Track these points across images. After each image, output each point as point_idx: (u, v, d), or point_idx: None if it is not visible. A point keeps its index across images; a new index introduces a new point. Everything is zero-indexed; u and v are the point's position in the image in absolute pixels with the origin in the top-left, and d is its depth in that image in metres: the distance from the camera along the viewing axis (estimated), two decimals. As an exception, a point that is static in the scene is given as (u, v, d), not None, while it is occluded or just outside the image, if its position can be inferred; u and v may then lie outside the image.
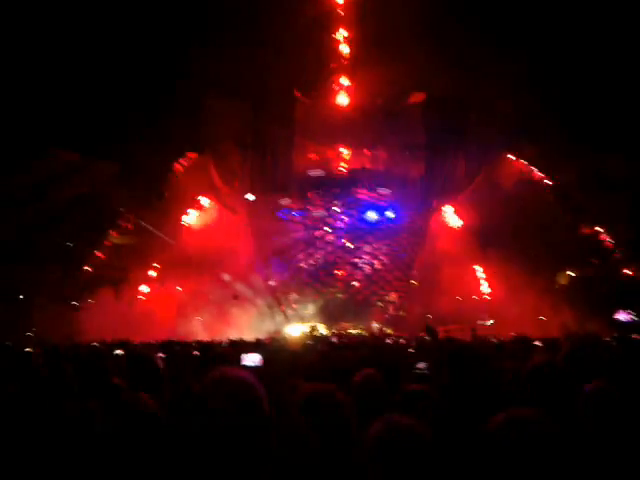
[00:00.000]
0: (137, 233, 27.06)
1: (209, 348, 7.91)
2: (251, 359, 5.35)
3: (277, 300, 29.66)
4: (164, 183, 27.61)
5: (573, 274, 27.02)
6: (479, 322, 24.18)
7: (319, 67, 31.17)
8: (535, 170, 27.67)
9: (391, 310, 30.53)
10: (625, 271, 24.90)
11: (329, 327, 27.15)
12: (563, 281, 27.18)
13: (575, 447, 2.15)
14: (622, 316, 23.97)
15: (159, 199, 26.84)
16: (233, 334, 20.22)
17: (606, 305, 23.18)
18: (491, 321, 24.68)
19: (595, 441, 2.36)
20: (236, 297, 26.73)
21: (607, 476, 2.23)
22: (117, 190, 25.15)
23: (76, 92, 23.17)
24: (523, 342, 11.32)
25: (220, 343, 11.08)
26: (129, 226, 27.10)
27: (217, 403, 2.15)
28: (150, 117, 24.31)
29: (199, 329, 23.51)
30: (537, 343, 11.05)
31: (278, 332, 24.49)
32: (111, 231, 27.01)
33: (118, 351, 7.66)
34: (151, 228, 26.46)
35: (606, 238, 25.64)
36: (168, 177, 28.12)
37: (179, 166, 29.09)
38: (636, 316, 23.47)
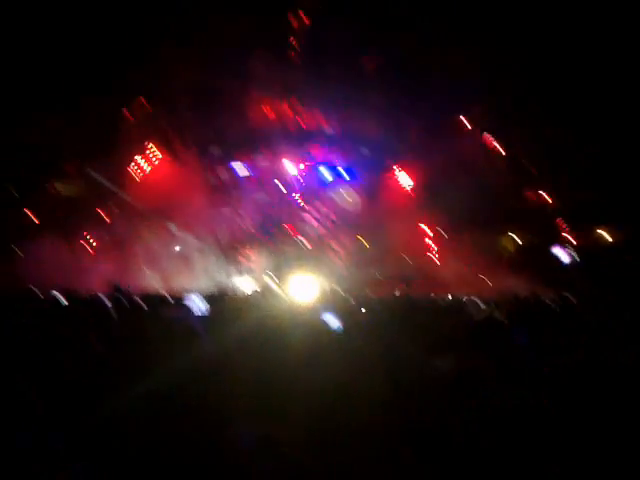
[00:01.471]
0: (83, 182, 26.31)
1: (155, 299, 7.87)
2: (197, 306, 5.39)
3: (230, 253, 29.58)
4: (113, 131, 26.73)
5: (517, 239, 27.78)
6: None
7: (276, 19, 30.48)
8: (485, 134, 28.07)
9: (340, 268, 30.84)
10: (567, 237, 25.75)
11: (278, 282, 27.33)
12: (509, 246, 27.95)
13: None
14: (558, 251, 24.96)
15: (107, 147, 26.01)
16: (185, 285, 20.21)
17: (547, 270, 23.98)
18: None
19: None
20: (179, 250, 26.50)
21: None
22: (62, 137, 24.30)
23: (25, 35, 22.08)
24: (464, 300, 11.69)
25: (166, 295, 10.98)
26: (75, 174, 26.29)
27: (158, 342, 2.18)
28: (100, 63, 23.44)
29: (149, 280, 23.29)
30: (478, 302, 11.44)
31: (227, 285, 24.55)
32: (56, 179, 26.18)
33: (62, 298, 7.52)
34: (98, 177, 25.76)
35: (550, 204, 26.37)
36: (117, 125, 27.23)
37: (128, 114, 28.22)
38: (573, 251, 24.48)
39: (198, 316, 5.17)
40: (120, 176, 27.18)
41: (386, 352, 3.40)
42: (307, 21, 31.08)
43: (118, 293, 8.31)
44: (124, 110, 28.00)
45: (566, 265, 24.80)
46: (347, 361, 3.21)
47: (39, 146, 24.00)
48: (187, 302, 5.42)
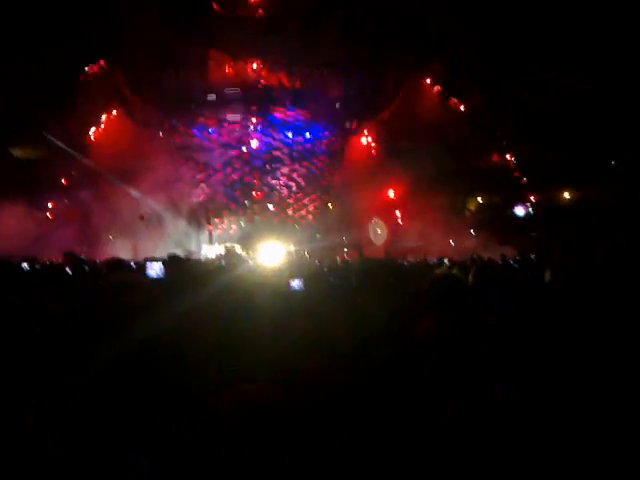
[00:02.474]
0: (42, 147, 25.50)
1: (116, 265, 7.69)
2: (154, 269, 5.32)
3: (199, 220, 29.28)
4: (70, 92, 25.79)
5: (481, 200, 28.04)
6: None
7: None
8: (449, 94, 28.01)
9: (305, 232, 30.84)
10: (531, 198, 26.06)
11: (246, 249, 27.19)
12: (472, 207, 28.21)
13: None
14: (520, 210, 25.40)
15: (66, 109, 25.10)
16: (153, 253, 19.87)
17: (511, 231, 24.29)
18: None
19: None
20: (142, 218, 26.04)
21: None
22: (19, 100, 23.39)
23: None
24: (431, 261, 11.85)
25: (128, 260, 10.79)
26: (32, 139, 25.45)
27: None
28: (57, 20, 22.47)
29: (115, 248, 22.88)
30: (445, 262, 11.61)
31: (193, 250, 24.34)
32: (13, 144, 25.31)
33: (24, 265, 7.32)
34: (57, 141, 25.02)
35: (514, 165, 26.59)
36: (74, 86, 26.27)
37: (86, 74, 27.25)
38: (533, 210, 24.92)
39: (159, 280, 5.11)
40: (80, 140, 26.46)
41: (350, 312, 3.42)
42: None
43: (77, 260, 8.15)
44: (84, 71, 27.04)
45: (527, 224, 25.16)
46: (312, 322, 3.21)
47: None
48: (148, 266, 5.32)
